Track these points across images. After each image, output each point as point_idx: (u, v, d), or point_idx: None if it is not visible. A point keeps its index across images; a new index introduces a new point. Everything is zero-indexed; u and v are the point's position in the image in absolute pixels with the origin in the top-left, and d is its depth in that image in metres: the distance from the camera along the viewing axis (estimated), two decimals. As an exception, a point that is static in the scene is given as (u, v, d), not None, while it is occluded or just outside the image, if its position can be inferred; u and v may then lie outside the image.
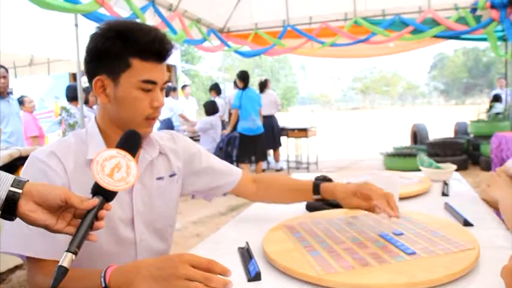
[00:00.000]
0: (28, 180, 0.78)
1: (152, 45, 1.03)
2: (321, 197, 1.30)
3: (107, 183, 0.79)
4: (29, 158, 1.06)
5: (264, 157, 6.49)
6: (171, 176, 1.23)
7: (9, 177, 0.76)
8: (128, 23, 1.07)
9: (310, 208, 1.46)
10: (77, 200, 0.78)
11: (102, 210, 0.80)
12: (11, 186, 0.75)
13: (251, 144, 6.14)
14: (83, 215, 0.78)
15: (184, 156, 1.28)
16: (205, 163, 1.32)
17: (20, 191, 0.75)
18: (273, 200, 1.42)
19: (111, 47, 1.03)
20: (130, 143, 0.90)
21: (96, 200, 0.79)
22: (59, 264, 0.71)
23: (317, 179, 1.35)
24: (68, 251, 0.73)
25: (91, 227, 0.77)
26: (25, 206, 0.76)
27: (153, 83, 1.06)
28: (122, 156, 0.84)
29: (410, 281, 0.83)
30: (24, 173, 1.04)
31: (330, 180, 1.37)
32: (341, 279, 0.86)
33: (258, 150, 6.25)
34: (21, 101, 5.56)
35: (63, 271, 0.71)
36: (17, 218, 0.79)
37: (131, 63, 1.03)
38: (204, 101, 6.71)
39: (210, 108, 6.17)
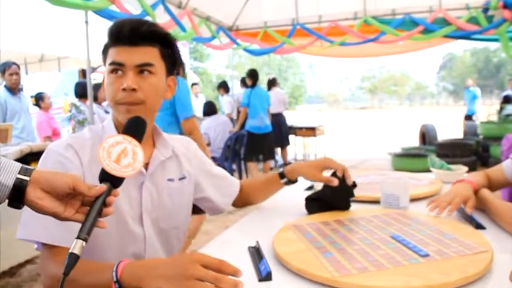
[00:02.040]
0: (35, 168, 0.78)
1: (120, 30, 1.07)
2: (287, 179, 1.45)
3: (114, 169, 0.79)
4: (46, 151, 1.08)
5: (271, 156, 6.47)
6: (180, 179, 1.24)
7: (16, 165, 0.76)
8: (122, 18, 1.13)
9: (309, 210, 1.42)
10: (84, 187, 0.78)
11: (110, 196, 0.80)
12: (19, 173, 0.75)
13: (259, 143, 6.12)
14: (92, 202, 0.78)
15: (196, 164, 1.31)
16: (215, 171, 1.38)
17: (27, 178, 0.75)
18: (253, 202, 1.51)
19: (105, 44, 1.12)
20: (135, 128, 0.91)
21: (103, 187, 0.79)
22: (70, 251, 0.72)
23: (281, 165, 1.46)
24: (78, 238, 0.73)
25: (100, 214, 0.78)
26: (33, 193, 0.76)
27: (119, 64, 1.07)
28: (127, 142, 0.84)
29: (426, 283, 0.83)
30: (41, 165, 1.07)
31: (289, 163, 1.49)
32: (356, 281, 0.85)
33: (266, 148, 6.23)
34: (40, 97, 5.59)
35: (74, 258, 0.72)
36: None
37: (108, 51, 1.10)
38: (212, 99, 6.71)
39: (207, 109, 6.18)
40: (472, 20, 5.55)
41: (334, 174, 1.41)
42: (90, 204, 0.79)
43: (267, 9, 6.65)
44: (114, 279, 0.84)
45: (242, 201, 1.48)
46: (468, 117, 9.51)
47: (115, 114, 1.15)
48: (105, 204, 0.79)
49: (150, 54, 1.10)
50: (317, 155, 7.54)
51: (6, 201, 0.77)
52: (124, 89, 1.06)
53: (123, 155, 0.82)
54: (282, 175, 1.45)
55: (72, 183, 0.77)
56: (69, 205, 0.80)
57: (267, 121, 6.18)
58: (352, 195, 1.41)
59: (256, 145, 6.11)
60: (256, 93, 6.10)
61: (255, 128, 6.09)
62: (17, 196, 0.75)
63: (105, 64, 1.11)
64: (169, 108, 3.02)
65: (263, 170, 6.35)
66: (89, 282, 0.87)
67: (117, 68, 1.07)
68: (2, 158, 0.76)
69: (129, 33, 1.07)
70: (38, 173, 0.77)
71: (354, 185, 1.41)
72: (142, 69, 1.09)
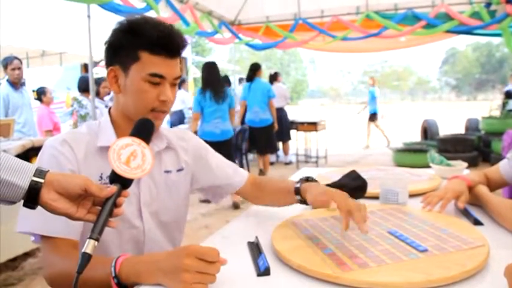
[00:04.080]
0: (49, 170, 0.80)
1: (161, 40, 1.05)
2: (301, 199, 1.25)
3: (124, 171, 0.81)
4: (43, 145, 1.11)
5: (267, 150, 6.33)
6: (178, 170, 1.25)
7: (31, 167, 0.78)
8: (143, 18, 1.10)
9: None
10: (96, 189, 0.80)
11: (120, 197, 0.82)
12: (33, 176, 0.77)
13: (253, 137, 6.10)
14: (102, 203, 0.80)
15: (193, 153, 1.31)
16: (212, 161, 1.34)
17: (42, 180, 0.78)
18: (266, 202, 1.41)
19: (122, 40, 1.08)
20: (144, 130, 0.92)
21: (114, 188, 0.81)
22: (83, 251, 0.74)
23: (301, 179, 1.28)
24: (90, 238, 0.76)
25: (111, 214, 0.80)
26: (47, 195, 0.78)
27: (161, 77, 1.08)
28: (137, 144, 0.86)
29: (427, 279, 0.84)
30: (38, 160, 1.09)
31: (313, 180, 1.30)
32: (357, 277, 0.86)
33: (262, 143, 6.14)
34: (42, 92, 5.61)
35: (87, 257, 0.74)
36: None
37: (140, 56, 1.06)
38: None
39: None
40: (475, 14, 5.54)
41: (348, 175, 1.45)
42: (101, 204, 0.81)
43: (269, 4, 6.63)
44: (113, 274, 0.86)
45: (254, 197, 1.40)
46: (372, 116, 9.67)
47: (122, 115, 1.15)
48: (115, 205, 0.81)
49: (179, 65, 1.13)
50: (318, 149, 7.53)
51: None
52: (164, 101, 1.09)
53: (133, 157, 0.84)
54: (297, 191, 1.26)
55: (84, 185, 0.80)
56: (81, 206, 0.82)
57: (264, 115, 6.06)
58: (365, 191, 1.44)
59: (250, 139, 6.11)
60: (254, 87, 6.07)
61: (250, 122, 6.09)
62: (32, 197, 0.77)
63: (123, 62, 1.09)
64: (228, 102, 4.65)
65: (263, 165, 6.31)
66: (88, 276, 0.88)
67: (157, 80, 1.08)
68: (18, 159, 0.78)
69: (169, 45, 1.07)
70: (51, 175, 0.79)
71: (365, 183, 1.43)
72: (175, 82, 1.13)
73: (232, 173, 1.37)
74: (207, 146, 1.38)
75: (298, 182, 1.27)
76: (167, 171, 1.22)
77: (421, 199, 1.37)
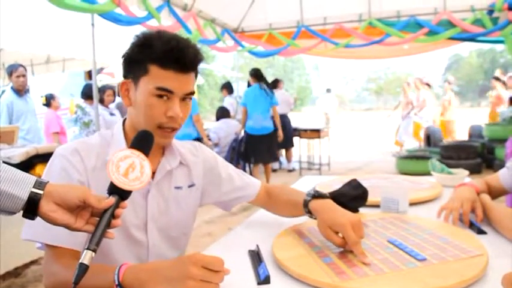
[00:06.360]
0: (48, 182, 0.82)
1: (171, 54, 1.04)
2: (310, 214, 1.22)
3: (122, 183, 0.82)
4: (54, 154, 1.11)
5: (267, 159, 6.09)
6: (189, 186, 1.24)
7: (31, 179, 0.80)
8: (157, 31, 1.09)
9: None
10: (94, 200, 0.81)
11: (118, 208, 0.83)
12: (33, 187, 0.79)
13: (253, 144, 5.89)
14: (101, 214, 0.81)
15: (204, 166, 1.29)
16: (224, 174, 1.33)
17: (41, 192, 0.79)
18: (276, 212, 1.41)
19: (133, 53, 1.08)
20: (144, 142, 0.92)
21: (112, 200, 0.82)
22: (80, 261, 0.75)
23: (309, 194, 1.23)
24: (87, 248, 0.76)
25: (108, 225, 0.81)
26: (46, 206, 0.79)
27: (168, 91, 1.06)
28: (135, 156, 0.87)
29: None
30: (48, 166, 1.10)
31: (323, 196, 1.23)
32: (356, 286, 0.86)
33: (263, 150, 5.93)
34: (51, 97, 5.77)
35: (84, 268, 0.75)
36: None
37: (149, 69, 1.06)
38: (217, 100, 6.74)
39: (220, 114, 6.21)
40: (477, 22, 5.54)
41: (348, 184, 1.45)
42: (99, 215, 0.82)
43: (272, 11, 6.66)
44: (116, 282, 0.86)
45: (267, 206, 1.40)
46: None
47: (132, 125, 1.14)
48: (113, 216, 0.82)
49: (192, 81, 1.11)
50: (322, 157, 7.53)
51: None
52: (171, 117, 1.07)
53: (131, 168, 0.84)
54: (306, 206, 1.22)
55: (83, 197, 0.81)
56: (79, 216, 0.83)
57: (265, 122, 5.85)
58: (366, 200, 1.45)
59: (250, 146, 5.92)
60: (253, 93, 5.89)
61: (250, 129, 5.87)
62: (31, 208, 0.79)
63: (134, 75, 1.08)
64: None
65: (264, 173, 6.22)
66: (91, 284, 0.88)
67: (165, 94, 1.06)
68: (17, 171, 0.80)
69: (181, 59, 1.05)
70: (51, 186, 0.81)
71: (366, 192, 1.45)
72: (186, 97, 1.10)
73: (243, 185, 1.36)
74: (217, 156, 1.36)
75: (307, 198, 1.22)
76: (177, 187, 1.21)
77: (437, 212, 1.35)
